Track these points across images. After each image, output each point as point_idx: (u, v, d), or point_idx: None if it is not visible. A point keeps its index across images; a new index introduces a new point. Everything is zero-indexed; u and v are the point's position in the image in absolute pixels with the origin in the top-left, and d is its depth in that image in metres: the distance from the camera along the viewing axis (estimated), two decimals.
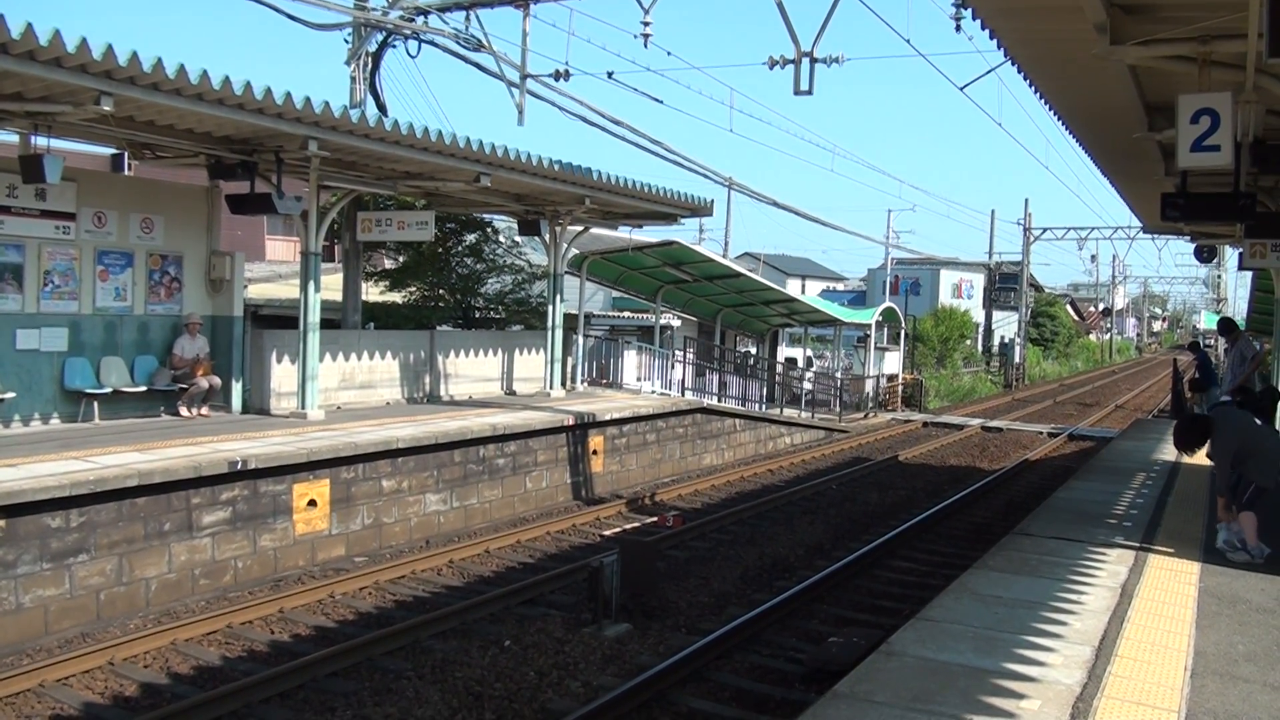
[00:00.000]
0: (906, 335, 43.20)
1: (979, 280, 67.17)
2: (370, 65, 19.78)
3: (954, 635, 7.01)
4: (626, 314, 34.27)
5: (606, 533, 15.40)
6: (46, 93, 11.18)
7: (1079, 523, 11.01)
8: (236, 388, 16.21)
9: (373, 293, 26.09)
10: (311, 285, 15.64)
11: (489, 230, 26.61)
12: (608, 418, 18.80)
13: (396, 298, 26.39)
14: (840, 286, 77.46)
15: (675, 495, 18.65)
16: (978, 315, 63.67)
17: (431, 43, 20.05)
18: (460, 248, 26.12)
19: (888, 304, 39.64)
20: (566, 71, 19.81)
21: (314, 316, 15.71)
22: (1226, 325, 17.47)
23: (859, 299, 65.97)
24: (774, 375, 34.78)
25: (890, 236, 56.81)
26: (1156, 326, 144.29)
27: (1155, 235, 39.63)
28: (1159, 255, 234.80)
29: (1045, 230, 55.43)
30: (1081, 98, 11.90)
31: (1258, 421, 10.29)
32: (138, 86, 11.04)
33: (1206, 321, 73.38)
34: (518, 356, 21.62)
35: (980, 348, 61.90)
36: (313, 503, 13.06)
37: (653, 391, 24.67)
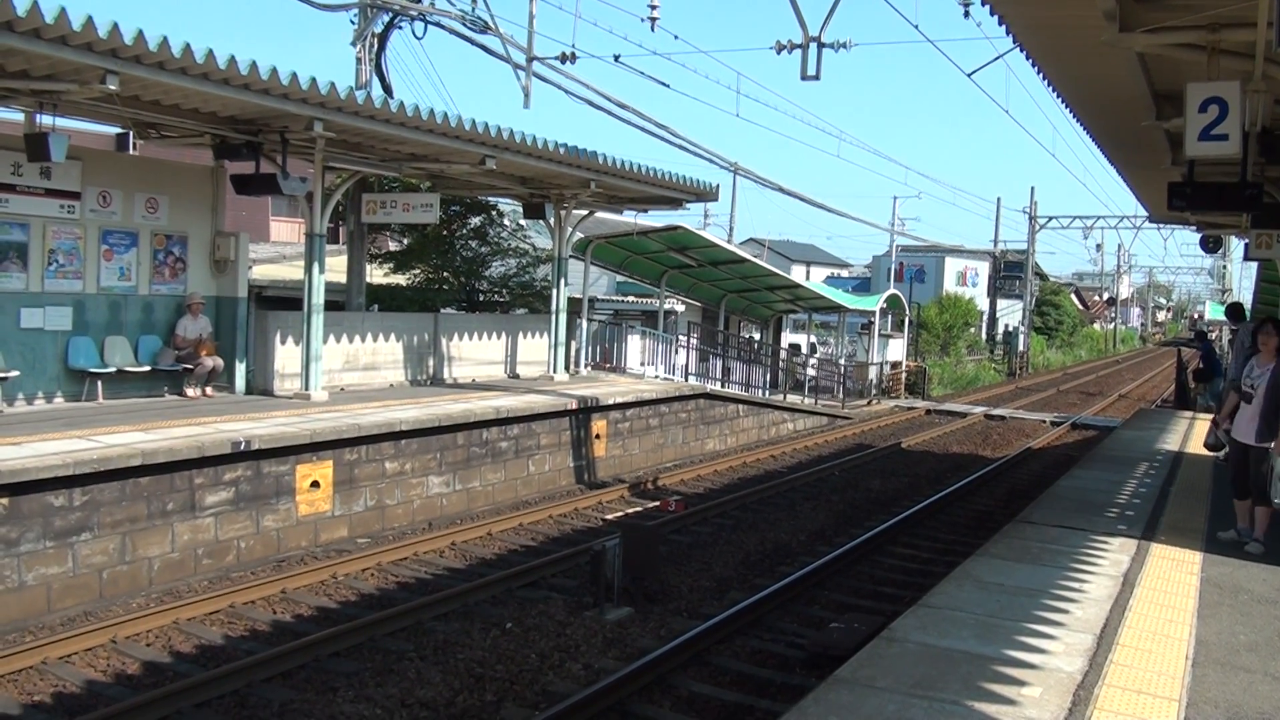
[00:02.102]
0: (910, 322, 43.17)
1: (984, 268, 67.09)
2: (376, 46, 19.73)
3: (956, 622, 7.01)
4: (630, 298, 34.24)
5: (609, 516, 15.42)
6: (52, 71, 11.15)
7: (1081, 511, 11.01)
8: (240, 368, 16.21)
9: (377, 275, 26.05)
10: (316, 267, 15.62)
11: (494, 213, 26.55)
12: (611, 402, 18.80)
13: (401, 280, 26.36)
14: (845, 273, 77.42)
15: (678, 480, 18.66)
16: (982, 303, 63.60)
17: (438, 24, 20.00)
18: (465, 230, 26.07)
19: (892, 291, 39.59)
20: (573, 54, 19.80)
21: (318, 298, 15.69)
22: (1236, 310, 17.24)
23: (863, 286, 65.97)
24: (778, 361, 34.78)
25: (895, 223, 56.72)
26: (1161, 316, 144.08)
27: (1161, 225, 39.62)
28: (1164, 245, 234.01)
29: (1051, 219, 55.37)
30: (1089, 85, 11.85)
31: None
32: (143, 65, 11.00)
33: (1212, 312, 73.20)
34: (521, 340, 21.62)
35: (984, 336, 61.85)
36: (316, 484, 13.08)
37: (656, 376, 24.66)
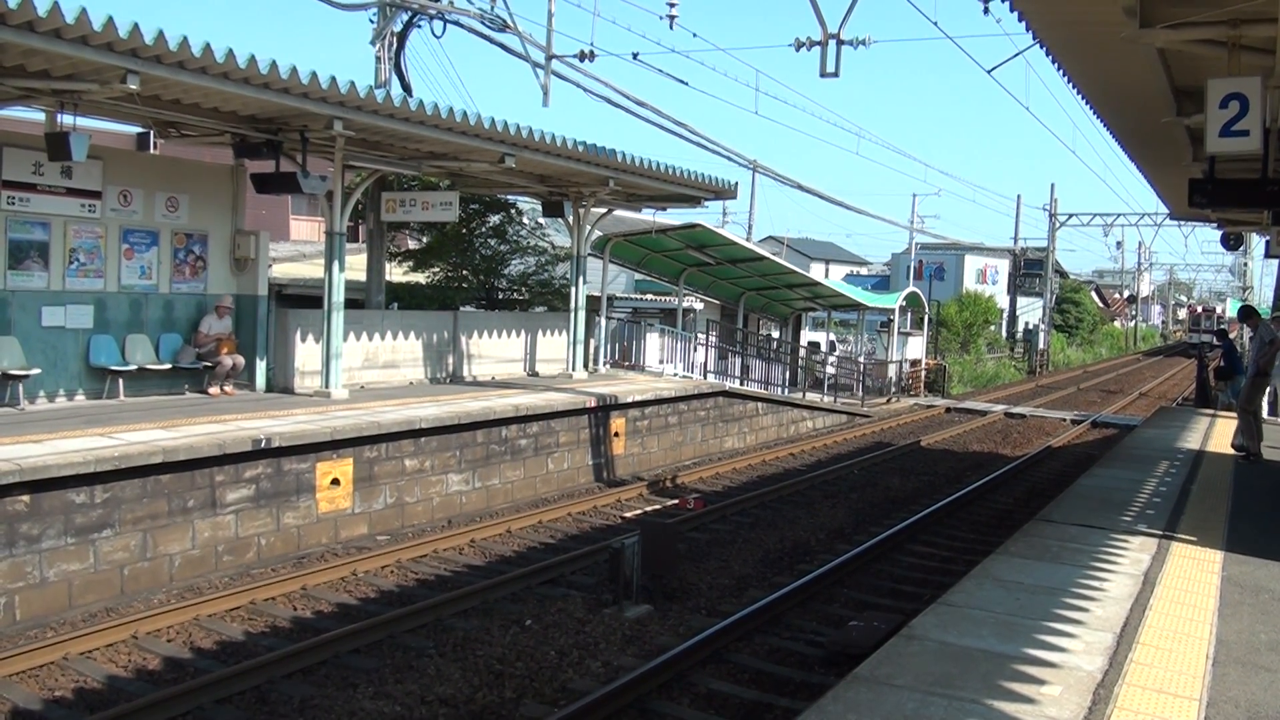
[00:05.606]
0: (930, 320, 43.03)
1: (1004, 266, 66.92)
2: (395, 45, 19.78)
3: (975, 620, 6.99)
4: (649, 296, 34.25)
5: (627, 514, 15.43)
6: (73, 71, 11.21)
7: (1102, 510, 10.96)
8: (261, 366, 16.29)
9: (396, 273, 26.14)
10: (336, 265, 15.67)
11: (513, 211, 26.61)
12: (630, 400, 18.81)
13: (420, 278, 26.44)
14: (864, 271, 77.34)
15: (696, 478, 18.66)
16: (1002, 301, 63.44)
17: (457, 23, 20.03)
18: (484, 229, 26.13)
19: (911, 289, 39.50)
20: (591, 52, 19.82)
21: (338, 296, 15.75)
22: (1246, 312, 17.45)
23: (883, 283, 65.87)
24: (796, 359, 34.73)
25: (915, 221, 56.60)
26: (1182, 314, 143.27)
27: (1182, 222, 39.37)
28: (1185, 242, 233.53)
29: (1071, 216, 55.01)
30: (1110, 82, 11.81)
31: None
32: (164, 65, 11.06)
33: (1232, 309, 72.59)
34: (540, 338, 21.65)
35: (1004, 334, 61.65)
36: (336, 481, 13.12)
37: (675, 374, 24.66)
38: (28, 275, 13.61)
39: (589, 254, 22.13)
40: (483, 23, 19.71)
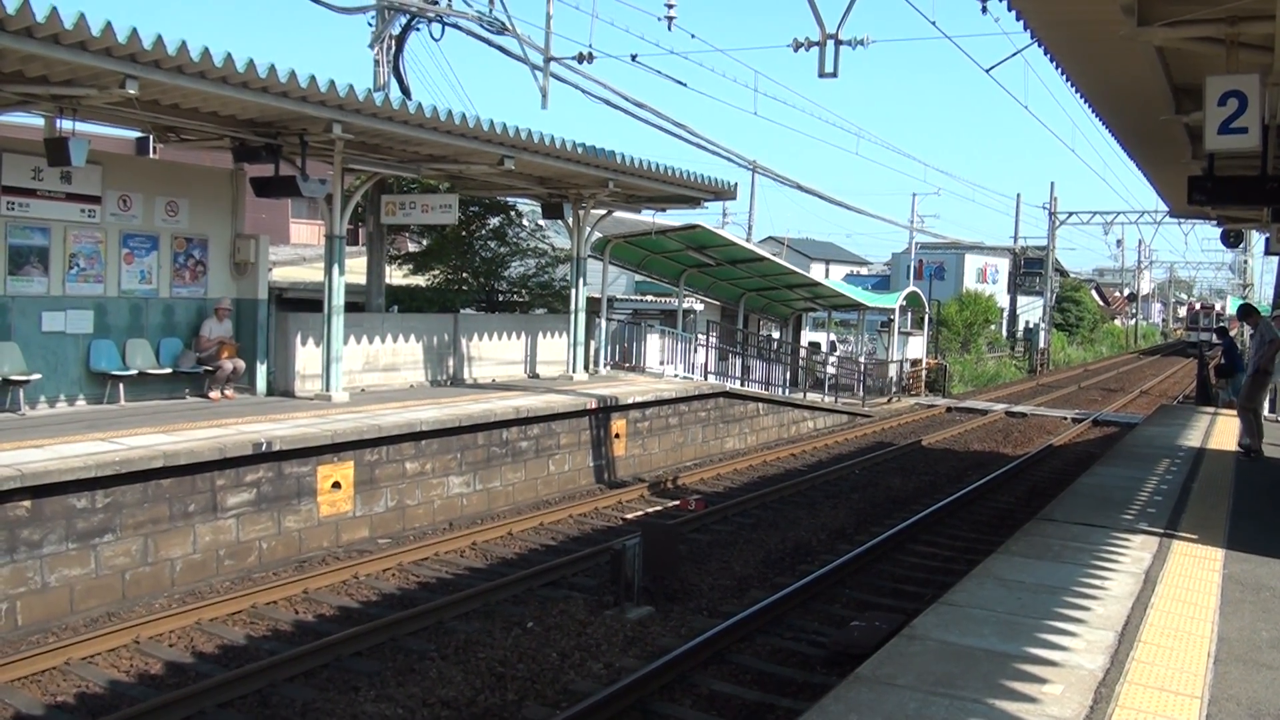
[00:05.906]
0: (930, 320, 43.00)
1: (1004, 265, 66.92)
2: (394, 48, 19.78)
3: (977, 620, 6.99)
4: (649, 298, 34.25)
5: (629, 516, 15.43)
6: (71, 76, 11.22)
7: (1103, 508, 10.95)
8: (261, 370, 16.28)
9: (396, 276, 26.13)
10: (336, 268, 15.67)
11: (512, 213, 26.62)
12: (630, 401, 18.81)
13: (420, 281, 26.43)
14: (864, 271, 77.35)
15: (697, 479, 18.66)
16: (1002, 300, 63.41)
17: (455, 25, 20.03)
18: (484, 231, 26.13)
19: (912, 288, 39.48)
20: (590, 54, 19.82)
21: (338, 299, 15.74)
22: (1246, 310, 17.52)
23: (883, 283, 65.86)
24: (797, 359, 34.73)
25: (915, 220, 56.59)
26: (1183, 312, 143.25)
27: (1182, 220, 39.38)
28: (1185, 240, 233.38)
29: (1071, 215, 54.99)
30: (1108, 80, 11.81)
31: None
32: (162, 70, 11.06)
33: (1232, 306, 72.50)
34: (541, 340, 21.65)
35: (1005, 333, 61.62)
36: (337, 485, 13.12)
37: (675, 375, 24.66)
38: (28, 280, 13.61)
39: (589, 256, 22.13)
40: (481, 25, 19.72)
